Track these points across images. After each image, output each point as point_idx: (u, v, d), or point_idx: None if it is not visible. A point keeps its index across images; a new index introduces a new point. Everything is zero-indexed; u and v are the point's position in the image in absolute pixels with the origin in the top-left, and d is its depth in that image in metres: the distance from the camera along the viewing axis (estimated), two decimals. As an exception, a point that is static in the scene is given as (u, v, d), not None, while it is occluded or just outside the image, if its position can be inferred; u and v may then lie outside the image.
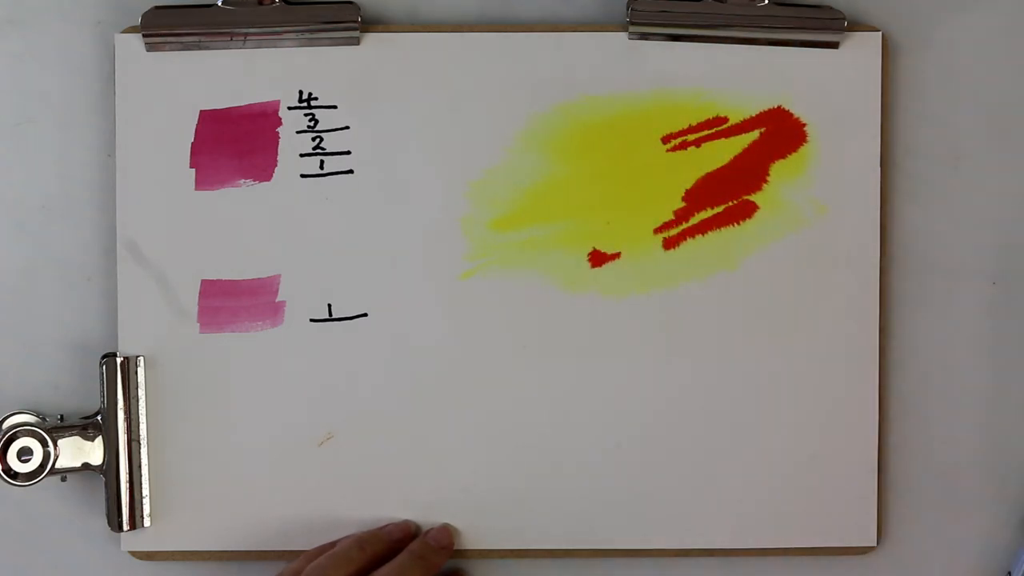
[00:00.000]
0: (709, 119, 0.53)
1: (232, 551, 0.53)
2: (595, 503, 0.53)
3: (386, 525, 0.52)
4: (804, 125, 0.53)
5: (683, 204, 0.53)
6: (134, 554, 0.53)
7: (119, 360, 0.52)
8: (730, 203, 0.53)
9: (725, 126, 0.53)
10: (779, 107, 0.53)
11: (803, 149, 0.53)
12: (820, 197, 0.53)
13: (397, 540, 0.51)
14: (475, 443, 0.53)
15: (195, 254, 0.53)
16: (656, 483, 0.53)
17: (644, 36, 0.53)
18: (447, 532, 0.52)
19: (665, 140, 0.53)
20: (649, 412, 0.53)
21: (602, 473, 0.53)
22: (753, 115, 0.53)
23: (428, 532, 0.52)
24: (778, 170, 0.53)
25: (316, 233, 0.53)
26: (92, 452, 0.52)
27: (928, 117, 0.54)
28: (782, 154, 0.53)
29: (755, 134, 0.53)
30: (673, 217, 0.53)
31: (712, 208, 0.53)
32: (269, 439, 0.53)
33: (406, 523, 0.52)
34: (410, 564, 0.50)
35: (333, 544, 0.52)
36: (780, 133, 0.53)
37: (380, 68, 0.53)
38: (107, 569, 0.54)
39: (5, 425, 0.52)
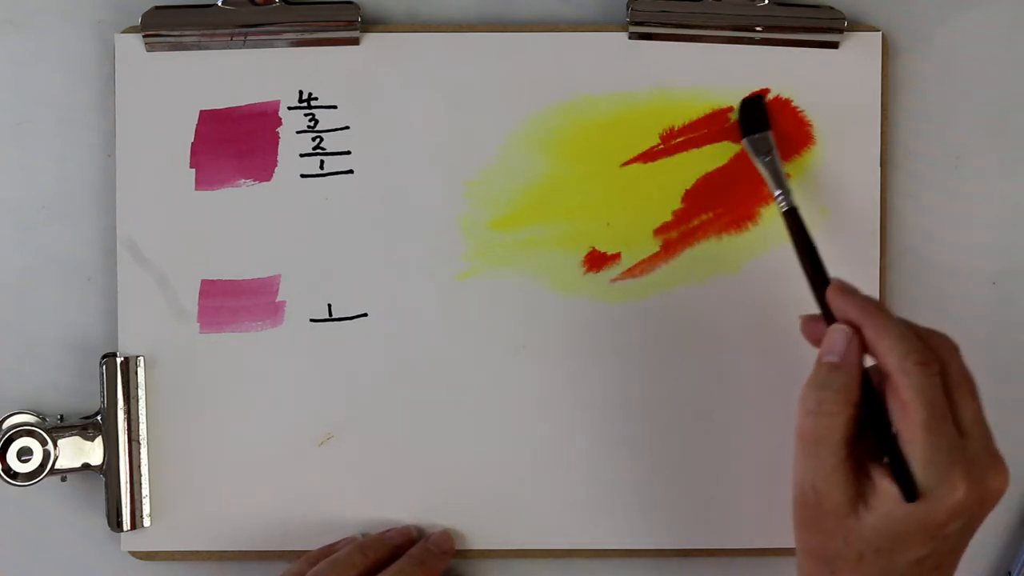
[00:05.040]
0: (709, 118, 0.53)
1: (232, 551, 0.53)
2: (595, 503, 0.53)
3: (388, 530, 0.52)
4: (808, 125, 0.53)
5: (682, 205, 0.53)
6: (134, 554, 0.53)
7: (119, 360, 0.52)
8: (732, 206, 0.53)
9: (725, 125, 0.53)
10: (781, 104, 0.53)
11: (806, 151, 0.53)
12: (823, 199, 0.53)
13: (399, 545, 0.51)
14: (475, 443, 0.53)
15: (195, 254, 0.53)
16: (656, 483, 0.53)
17: (644, 36, 0.53)
18: (448, 537, 0.52)
19: (665, 140, 0.53)
20: (649, 413, 0.53)
21: (602, 473, 0.53)
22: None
23: (429, 537, 0.52)
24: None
25: (316, 233, 0.53)
26: (92, 452, 0.52)
27: (928, 117, 0.54)
28: (785, 155, 0.53)
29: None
30: (672, 218, 0.53)
31: (713, 210, 0.53)
32: (269, 439, 0.53)
33: (407, 528, 0.52)
34: (410, 568, 0.50)
35: (333, 546, 0.52)
36: (783, 133, 0.53)
37: (380, 68, 0.53)
38: (107, 569, 0.54)
39: (5, 425, 0.52)
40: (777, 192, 0.50)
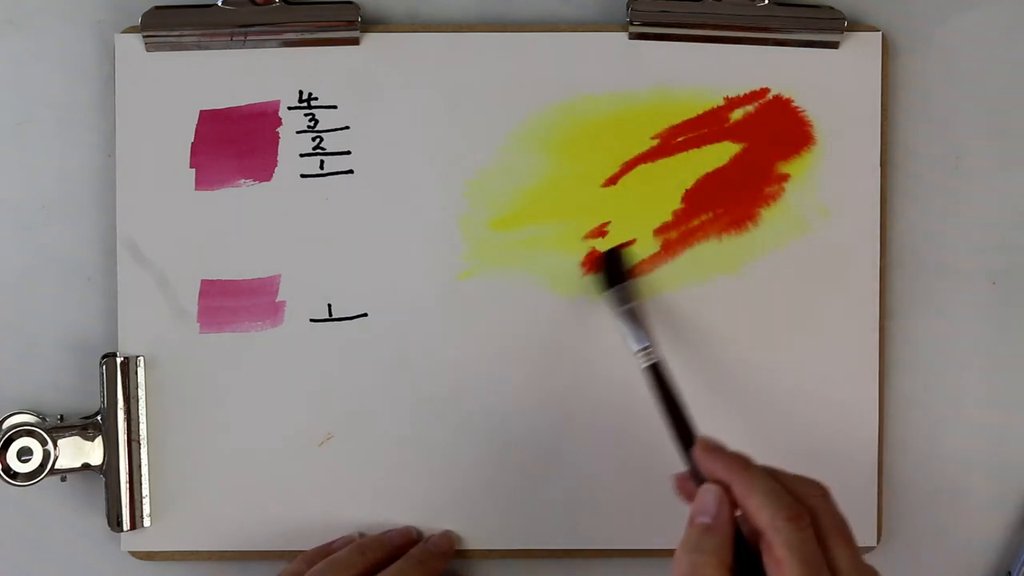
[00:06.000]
0: (709, 119, 0.53)
1: (232, 551, 0.53)
2: (595, 503, 0.53)
3: (388, 531, 0.52)
4: (808, 125, 0.53)
5: (682, 205, 0.53)
6: (134, 554, 0.53)
7: (119, 360, 0.52)
8: (732, 206, 0.53)
9: (725, 125, 0.53)
10: (781, 104, 0.53)
11: (806, 151, 0.53)
12: (823, 199, 0.53)
13: (398, 546, 0.51)
14: (474, 443, 0.53)
15: (195, 254, 0.53)
16: (656, 483, 0.53)
17: (644, 36, 0.53)
18: (448, 538, 0.52)
19: (665, 140, 0.53)
20: (649, 412, 0.53)
21: (602, 473, 0.53)
22: (752, 113, 0.53)
23: (429, 538, 0.52)
24: (782, 172, 0.53)
25: (316, 233, 0.53)
26: (92, 452, 0.52)
27: (928, 117, 0.54)
28: (785, 155, 0.53)
29: (755, 134, 0.53)
30: (672, 218, 0.53)
31: (712, 211, 0.53)
32: (269, 439, 0.53)
33: (407, 529, 0.52)
34: (409, 569, 0.50)
35: (330, 545, 0.52)
36: (783, 133, 0.53)
37: (380, 68, 0.53)
38: (107, 569, 0.54)
39: (5, 425, 0.52)
40: (641, 346, 0.49)
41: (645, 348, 0.49)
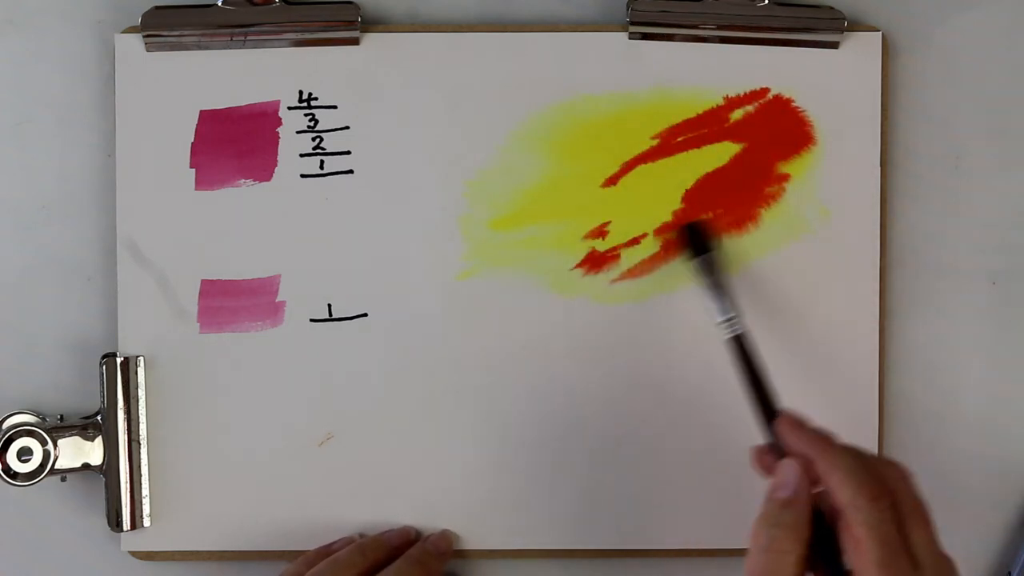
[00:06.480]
0: (708, 119, 0.53)
1: (232, 551, 0.53)
2: (595, 503, 0.53)
3: (387, 531, 0.52)
4: (808, 125, 0.53)
5: (682, 205, 0.53)
6: (134, 554, 0.53)
7: (119, 360, 0.52)
8: (732, 206, 0.53)
9: (725, 125, 0.53)
10: (781, 104, 0.53)
11: (807, 151, 0.53)
12: (823, 199, 0.53)
13: (397, 547, 0.51)
14: (474, 443, 0.53)
15: (195, 254, 0.53)
16: (656, 483, 0.53)
17: (644, 36, 0.53)
18: (446, 538, 0.52)
19: (665, 140, 0.53)
20: (648, 412, 0.53)
21: (602, 473, 0.53)
22: (752, 113, 0.53)
23: (427, 538, 0.52)
24: (782, 172, 0.53)
25: (316, 233, 0.53)
26: (92, 452, 0.52)
27: (928, 117, 0.54)
28: (785, 155, 0.53)
29: (755, 134, 0.53)
30: (672, 218, 0.53)
31: (712, 211, 0.53)
32: (269, 439, 0.53)
33: (406, 529, 0.52)
34: (408, 569, 0.50)
35: (330, 546, 0.52)
36: (783, 133, 0.53)
37: (380, 68, 0.53)
38: (107, 569, 0.54)
39: (5, 425, 0.52)
40: (726, 316, 0.49)
41: (730, 319, 0.49)
